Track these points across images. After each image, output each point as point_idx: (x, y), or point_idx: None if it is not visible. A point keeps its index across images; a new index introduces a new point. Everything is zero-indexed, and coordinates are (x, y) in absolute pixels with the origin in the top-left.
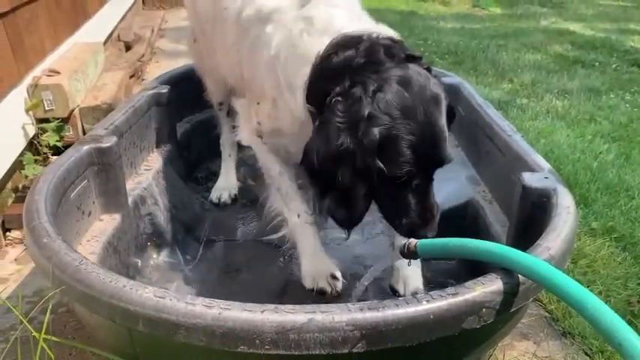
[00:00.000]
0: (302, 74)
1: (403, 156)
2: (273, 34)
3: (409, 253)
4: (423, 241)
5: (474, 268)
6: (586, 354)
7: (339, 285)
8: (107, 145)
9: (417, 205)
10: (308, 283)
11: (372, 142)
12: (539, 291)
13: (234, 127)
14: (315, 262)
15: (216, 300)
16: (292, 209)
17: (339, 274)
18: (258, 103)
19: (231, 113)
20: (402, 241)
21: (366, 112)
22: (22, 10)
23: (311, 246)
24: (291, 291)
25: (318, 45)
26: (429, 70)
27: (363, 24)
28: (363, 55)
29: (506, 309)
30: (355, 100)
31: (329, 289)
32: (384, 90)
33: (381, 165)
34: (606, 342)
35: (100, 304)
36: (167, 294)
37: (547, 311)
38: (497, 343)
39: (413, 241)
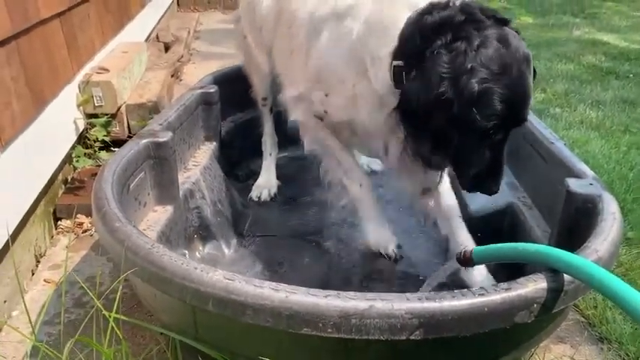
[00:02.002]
0: (387, 43)
1: (495, 109)
2: (353, 24)
3: (465, 260)
4: (478, 248)
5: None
6: (623, 359)
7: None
8: (163, 139)
9: (490, 160)
10: (374, 247)
11: (472, 94)
12: (587, 291)
13: (285, 120)
14: (378, 229)
15: (281, 284)
16: (354, 178)
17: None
18: (326, 95)
19: (274, 110)
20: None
21: (470, 66)
22: (77, 9)
23: (374, 213)
24: (333, 287)
25: (402, 16)
26: (516, 31)
27: None
28: (461, 13)
29: (555, 306)
30: (459, 53)
31: (393, 255)
32: (486, 46)
33: (477, 116)
34: None
35: (172, 285)
36: (236, 277)
37: (584, 316)
38: (541, 342)
39: (468, 248)
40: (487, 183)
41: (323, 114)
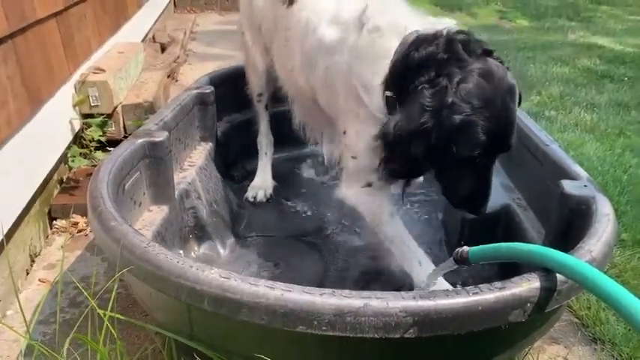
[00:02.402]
0: (379, 72)
1: (477, 140)
2: (343, 59)
3: (462, 260)
4: (475, 248)
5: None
6: None
7: None
8: (159, 139)
9: (477, 184)
10: None
11: (452, 126)
12: (580, 291)
13: (280, 120)
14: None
15: (277, 282)
16: (411, 258)
17: None
18: (344, 133)
19: (269, 107)
20: None
21: (450, 100)
22: (73, 9)
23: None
24: (328, 287)
25: (390, 44)
26: (501, 62)
27: (425, 20)
28: (444, 51)
29: (549, 306)
30: (441, 89)
31: None
32: (467, 81)
33: (454, 147)
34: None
35: (168, 284)
36: (232, 275)
37: (577, 317)
38: (535, 341)
39: (465, 248)
40: (473, 204)
41: (354, 162)
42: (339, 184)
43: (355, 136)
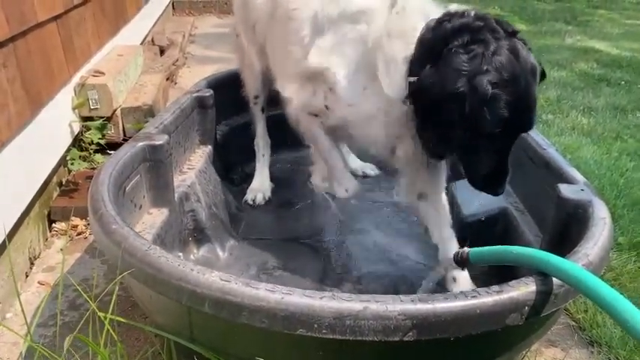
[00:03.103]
0: (404, 48)
1: (501, 115)
2: (368, 30)
3: (462, 261)
4: (475, 249)
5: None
6: None
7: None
8: (159, 142)
9: (496, 162)
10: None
11: (485, 94)
12: (577, 295)
13: (278, 123)
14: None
15: (277, 285)
16: (342, 184)
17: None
18: (330, 89)
19: (265, 109)
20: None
21: (485, 68)
22: (73, 12)
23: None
24: (327, 289)
25: (419, 24)
26: (525, 43)
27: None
28: (478, 20)
29: (546, 309)
30: (477, 55)
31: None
32: (499, 53)
33: (487, 116)
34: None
35: (169, 286)
36: (232, 278)
37: (574, 320)
38: (532, 344)
39: (466, 249)
40: (493, 184)
41: (322, 109)
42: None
43: (346, 103)
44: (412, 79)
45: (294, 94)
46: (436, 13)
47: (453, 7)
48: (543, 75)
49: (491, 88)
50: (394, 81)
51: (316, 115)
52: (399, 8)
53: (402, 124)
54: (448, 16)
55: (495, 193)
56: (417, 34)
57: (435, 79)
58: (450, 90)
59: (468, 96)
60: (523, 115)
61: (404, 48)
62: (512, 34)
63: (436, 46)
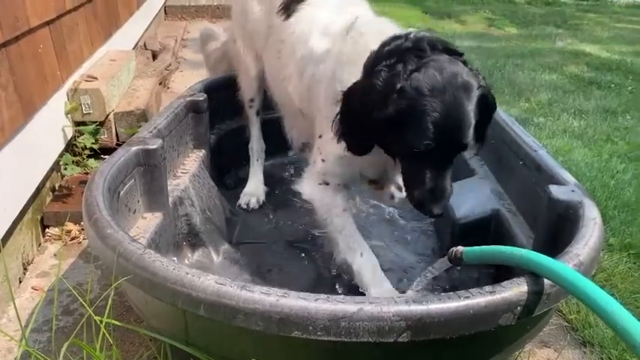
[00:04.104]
0: (355, 74)
1: (425, 130)
2: (327, 67)
3: (455, 260)
4: (469, 248)
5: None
6: None
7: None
8: (153, 147)
9: (431, 182)
10: None
11: (397, 111)
12: (567, 295)
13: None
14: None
15: (272, 288)
16: (355, 249)
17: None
18: (320, 137)
19: (260, 113)
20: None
21: (399, 86)
22: (66, 17)
23: (377, 278)
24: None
25: (370, 47)
26: (464, 62)
27: (408, 30)
28: (410, 42)
29: (538, 309)
30: (395, 74)
31: None
32: (419, 70)
33: (403, 134)
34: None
35: (164, 290)
36: (227, 281)
37: (567, 321)
38: (525, 344)
39: (460, 248)
40: (429, 205)
41: (323, 166)
42: (301, 178)
43: (330, 142)
44: None
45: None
46: (393, 31)
47: (409, 30)
48: (487, 101)
49: (407, 103)
50: None
51: (327, 184)
52: (356, 33)
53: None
54: (389, 41)
55: (431, 215)
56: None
57: (355, 91)
58: (362, 102)
59: (377, 108)
60: (452, 130)
61: (355, 72)
62: (448, 52)
63: (372, 67)
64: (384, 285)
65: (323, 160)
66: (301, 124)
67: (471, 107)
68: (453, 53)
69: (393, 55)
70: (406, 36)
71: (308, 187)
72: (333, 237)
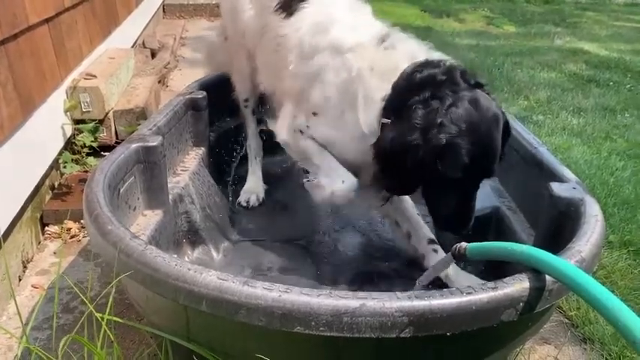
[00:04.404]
0: (383, 88)
1: (461, 161)
2: (354, 61)
3: (459, 255)
4: (473, 244)
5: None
6: (606, 359)
7: None
8: (153, 144)
9: (460, 206)
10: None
11: (438, 146)
12: (569, 291)
13: (261, 130)
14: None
15: (275, 284)
16: (334, 177)
17: None
18: (314, 114)
19: (256, 111)
20: None
21: (440, 121)
22: (64, 15)
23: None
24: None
25: (401, 65)
26: (489, 94)
27: (436, 54)
28: (443, 74)
29: (540, 305)
30: (432, 110)
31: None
32: (457, 106)
33: (440, 166)
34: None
35: (166, 286)
36: (229, 277)
37: (567, 318)
38: (526, 340)
39: (463, 244)
40: (456, 224)
41: (304, 129)
42: (277, 119)
43: (322, 125)
44: (385, 120)
45: (283, 125)
46: (422, 57)
47: (435, 55)
48: (507, 128)
49: (447, 138)
50: (369, 118)
51: (301, 132)
52: (389, 45)
53: (368, 156)
54: (421, 67)
55: (458, 234)
56: (397, 75)
57: (394, 134)
58: (406, 143)
59: (421, 147)
60: (484, 160)
61: (383, 87)
62: (477, 85)
63: (403, 96)
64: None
65: (307, 127)
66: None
67: (499, 137)
68: (479, 85)
69: (426, 87)
70: (438, 64)
71: (283, 131)
72: (315, 162)
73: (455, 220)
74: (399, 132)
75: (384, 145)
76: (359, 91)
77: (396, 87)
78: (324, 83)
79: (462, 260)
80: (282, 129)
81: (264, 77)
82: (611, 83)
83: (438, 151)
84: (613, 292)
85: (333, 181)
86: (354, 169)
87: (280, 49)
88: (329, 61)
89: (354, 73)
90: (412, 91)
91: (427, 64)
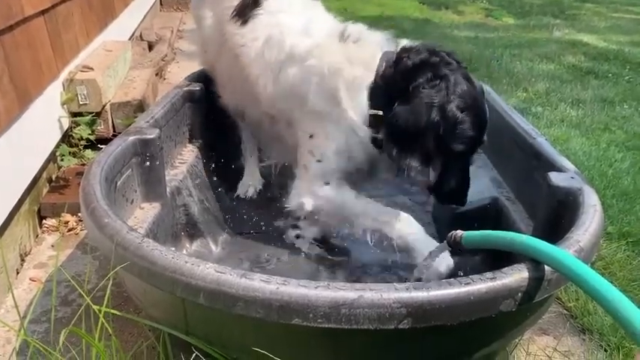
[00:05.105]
0: (367, 75)
1: (468, 134)
2: (320, 62)
3: (455, 244)
4: (469, 232)
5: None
6: (604, 350)
7: None
8: (150, 136)
9: (461, 177)
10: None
11: (456, 119)
12: (567, 282)
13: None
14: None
15: (272, 276)
16: (389, 220)
17: None
18: (311, 137)
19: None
20: None
21: (452, 98)
22: (60, 7)
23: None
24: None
25: (376, 55)
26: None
27: (403, 41)
28: (434, 55)
29: (538, 295)
30: (442, 89)
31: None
32: (459, 82)
33: (457, 138)
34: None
35: (163, 279)
36: (227, 269)
37: (566, 308)
38: (525, 331)
39: (459, 232)
40: (458, 196)
41: (321, 166)
42: (294, 191)
43: (324, 140)
44: (373, 112)
45: (302, 190)
46: (387, 45)
47: (406, 43)
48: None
49: (461, 113)
50: (358, 105)
51: (326, 183)
52: (355, 39)
53: (364, 146)
54: (405, 52)
55: (461, 204)
56: (377, 63)
57: (410, 114)
58: (426, 121)
59: (441, 124)
60: (482, 130)
61: (366, 75)
62: (460, 63)
63: (398, 82)
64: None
65: (319, 161)
66: (266, 129)
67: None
68: (461, 63)
69: (424, 69)
70: (418, 48)
71: (309, 196)
72: (366, 225)
73: (456, 193)
74: (415, 112)
75: (400, 125)
76: (339, 84)
77: (384, 75)
78: (300, 95)
79: (458, 248)
80: (303, 195)
81: (227, 93)
82: (610, 75)
83: (455, 125)
84: (612, 283)
85: (389, 225)
86: (371, 165)
87: (239, 61)
88: (297, 72)
89: (326, 71)
90: (407, 75)
91: (408, 49)
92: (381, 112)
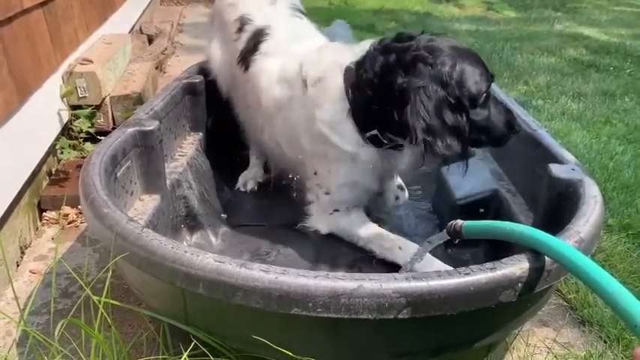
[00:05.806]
0: (341, 107)
1: (476, 79)
2: (297, 113)
3: (454, 233)
4: (469, 222)
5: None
6: (604, 341)
7: None
8: (150, 128)
9: (500, 110)
10: None
11: (460, 75)
12: (567, 272)
13: None
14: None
15: (272, 266)
16: (390, 247)
17: None
18: (315, 173)
19: None
20: None
21: (457, 68)
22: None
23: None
24: None
25: (337, 82)
26: None
27: (350, 49)
28: (403, 41)
29: (539, 285)
30: (442, 65)
31: None
32: (448, 51)
33: (469, 90)
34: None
35: (162, 269)
36: (226, 259)
37: (566, 300)
38: (525, 322)
39: (459, 221)
40: (510, 125)
41: (329, 198)
42: (310, 217)
43: (327, 175)
44: (370, 133)
45: (318, 215)
46: (350, 56)
47: (359, 50)
48: None
49: (456, 67)
50: (347, 136)
51: (336, 210)
52: (312, 80)
53: (367, 171)
54: (360, 68)
55: (519, 129)
56: (342, 92)
57: (424, 102)
58: (445, 101)
59: (450, 92)
60: (481, 62)
61: (339, 107)
62: (412, 35)
63: (377, 95)
64: (434, 264)
65: (327, 193)
66: (285, 164)
67: None
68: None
69: (394, 69)
70: (370, 57)
71: (322, 222)
72: (368, 248)
73: (508, 124)
74: (430, 97)
75: (421, 122)
76: (321, 128)
77: (355, 98)
78: (295, 139)
79: (458, 238)
80: (318, 222)
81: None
82: (611, 68)
83: (462, 81)
84: (612, 275)
85: (394, 255)
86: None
87: (249, 107)
88: (284, 122)
89: (303, 122)
90: (382, 84)
91: (361, 63)
92: (375, 132)
